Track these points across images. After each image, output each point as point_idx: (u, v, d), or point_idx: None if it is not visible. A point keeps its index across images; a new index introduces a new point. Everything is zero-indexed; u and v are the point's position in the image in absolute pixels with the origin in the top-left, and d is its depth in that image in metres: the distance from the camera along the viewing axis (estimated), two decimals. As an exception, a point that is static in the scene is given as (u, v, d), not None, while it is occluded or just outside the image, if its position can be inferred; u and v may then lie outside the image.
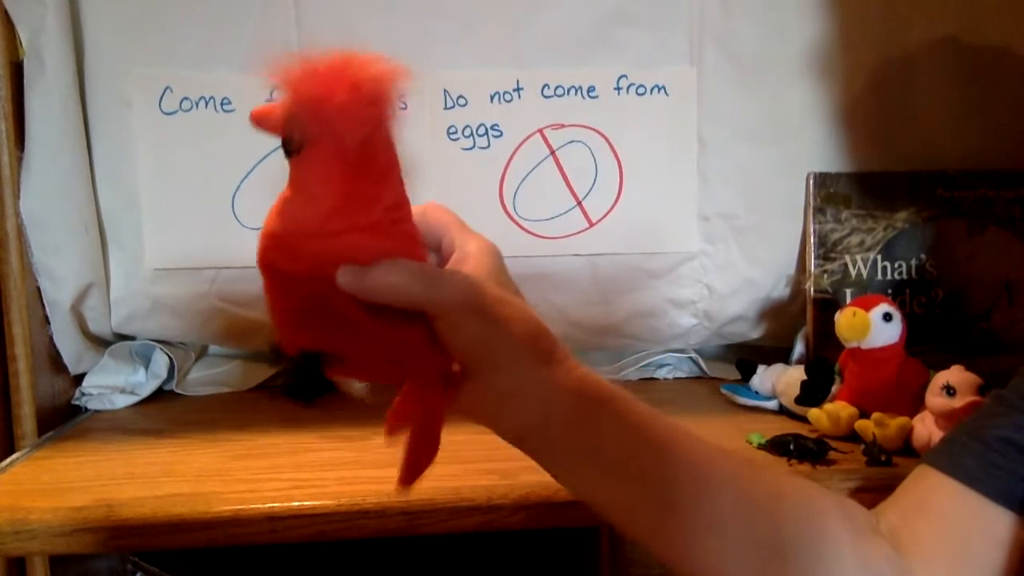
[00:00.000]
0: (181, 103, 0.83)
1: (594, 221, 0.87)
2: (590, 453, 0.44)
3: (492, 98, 0.85)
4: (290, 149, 0.39)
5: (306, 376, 0.42)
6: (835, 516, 0.45)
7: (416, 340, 0.43)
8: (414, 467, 0.49)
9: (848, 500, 0.47)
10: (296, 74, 0.38)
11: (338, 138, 0.38)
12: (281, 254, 0.40)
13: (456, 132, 0.85)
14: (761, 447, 0.67)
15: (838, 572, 0.43)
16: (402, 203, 0.43)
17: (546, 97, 0.86)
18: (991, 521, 0.43)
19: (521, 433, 0.44)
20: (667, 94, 0.86)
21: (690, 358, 0.95)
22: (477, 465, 0.63)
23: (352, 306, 0.41)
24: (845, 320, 0.72)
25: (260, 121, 0.40)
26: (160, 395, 0.88)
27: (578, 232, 0.88)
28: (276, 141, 0.41)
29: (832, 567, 0.43)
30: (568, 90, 0.86)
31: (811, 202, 0.87)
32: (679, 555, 0.44)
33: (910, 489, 0.48)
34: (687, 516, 0.43)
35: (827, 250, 0.87)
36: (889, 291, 0.87)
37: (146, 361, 0.89)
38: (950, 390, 0.63)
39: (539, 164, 0.86)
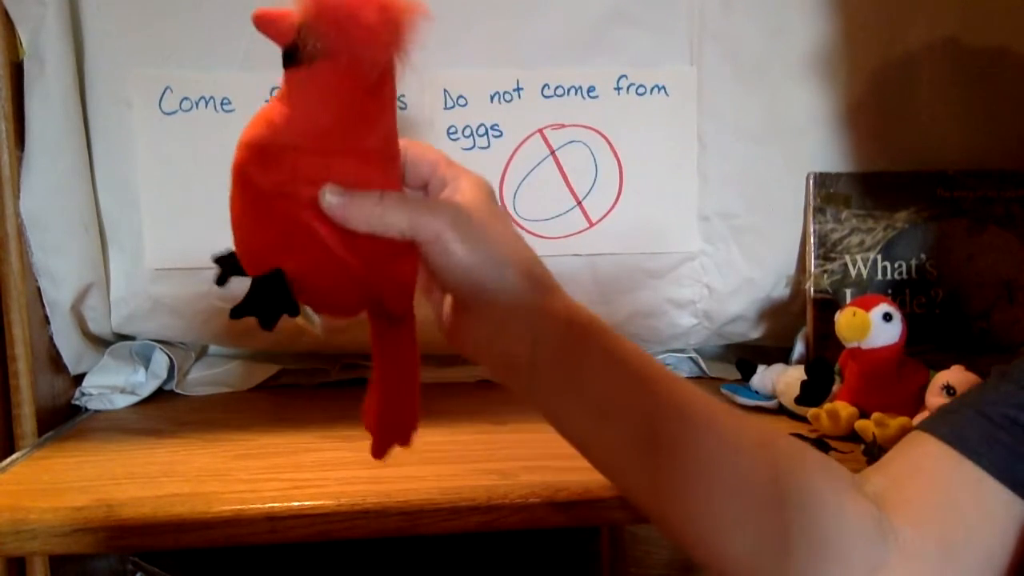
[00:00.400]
0: (181, 103, 0.83)
1: (594, 221, 0.87)
2: (576, 385, 0.43)
3: (492, 98, 0.85)
4: (297, 58, 0.37)
5: (267, 297, 0.40)
6: (818, 470, 0.44)
7: (389, 272, 0.42)
8: (385, 434, 0.48)
9: (830, 459, 0.46)
10: None
11: (358, 57, 0.37)
12: (263, 165, 0.39)
13: (456, 132, 0.85)
14: (761, 447, 0.67)
15: (820, 522, 0.42)
16: (393, 140, 0.42)
17: (546, 97, 0.86)
18: (988, 494, 0.42)
19: (510, 362, 0.43)
20: (667, 94, 0.86)
21: (690, 358, 0.95)
22: (477, 465, 0.63)
23: (328, 230, 0.39)
24: (845, 320, 0.72)
25: (266, 24, 0.37)
26: (160, 395, 0.88)
27: (578, 232, 0.88)
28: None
29: (813, 518, 0.42)
30: (568, 90, 0.86)
31: (811, 202, 0.87)
32: (664, 501, 0.43)
33: (902, 454, 0.47)
34: (672, 456, 0.42)
35: (827, 250, 0.87)
36: (889, 291, 0.87)
37: (146, 361, 0.89)
38: (950, 390, 0.63)
39: (539, 164, 0.86)
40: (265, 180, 0.39)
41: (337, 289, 0.42)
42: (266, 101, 0.39)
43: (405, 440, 0.49)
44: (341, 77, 0.37)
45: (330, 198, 0.38)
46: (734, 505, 0.42)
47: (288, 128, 0.38)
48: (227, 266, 0.43)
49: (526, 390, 0.44)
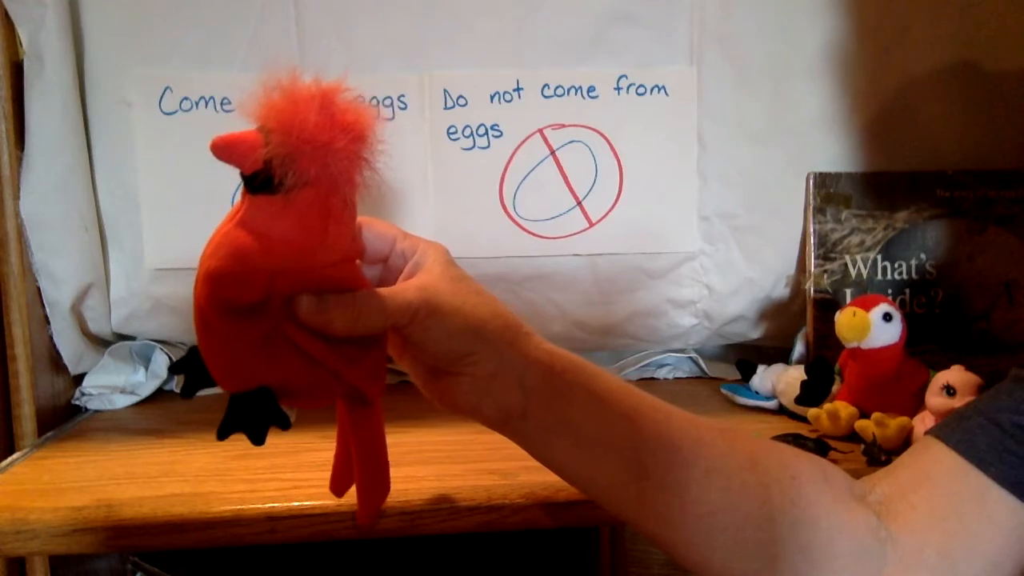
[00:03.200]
0: (181, 103, 0.83)
1: (594, 221, 0.87)
2: (566, 427, 0.44)
3: (492, 98, 0.85)
4: (268, 186, 0.37)
5: (254, 413, 0.40)
6: (811, 481, 0.44)
7: (365, 364, 0.43)
8: (369, 502, 0.51)
9: (830, 465, 0.46)
10: (285, 114, 0.36)
11: (336, 181, 0.38)
12: (239, 293, 0.38)
13: (456, 132, 0.85)
14: (761, 447, 0.67)
15: (812, 539, 0.42)
16: (358, 237, 0.44)
17: (546, 97, 0.86)
18: (994, 505, 0.42)
19: (503, 414, 0.44)
20: (667, 94, 0.86)
21: (690, 358, 0.95)
22: (477, 465, 0.63)
23: (304, 337, 0.40)
24: (845, 320, 0.72)
25: (227, 151, 0.37)
26: (160, 395, 0.88)
27: (578, 232, 0.88)
28: None
29: (806, 533, 0.42)
30: (568, 90, 0.86)
31: (811, 202, 0.87)
32: (659, 527, 0.44)
33: (911, 460, 0.47)
34: (662, 487, 0.43)
35: (827, 250, 0.87)
36: (889, 291, 0.87)
37: (146, 361, 0.89)
38: (950, 390, 0.63)
39: (539, 164, 0.86)
40: (240, 305, 0.39)
41: (316, 388, 0.43)
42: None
43: (381, 502, 0.52)
44: (321, 202, 0.38)
45: (308, 307, 0.39)
46: (726, 530, 0.43)
47: (265, 256, 0.38)
48: (193, 373, 0.41)
49: (519, 437, 0.46)
